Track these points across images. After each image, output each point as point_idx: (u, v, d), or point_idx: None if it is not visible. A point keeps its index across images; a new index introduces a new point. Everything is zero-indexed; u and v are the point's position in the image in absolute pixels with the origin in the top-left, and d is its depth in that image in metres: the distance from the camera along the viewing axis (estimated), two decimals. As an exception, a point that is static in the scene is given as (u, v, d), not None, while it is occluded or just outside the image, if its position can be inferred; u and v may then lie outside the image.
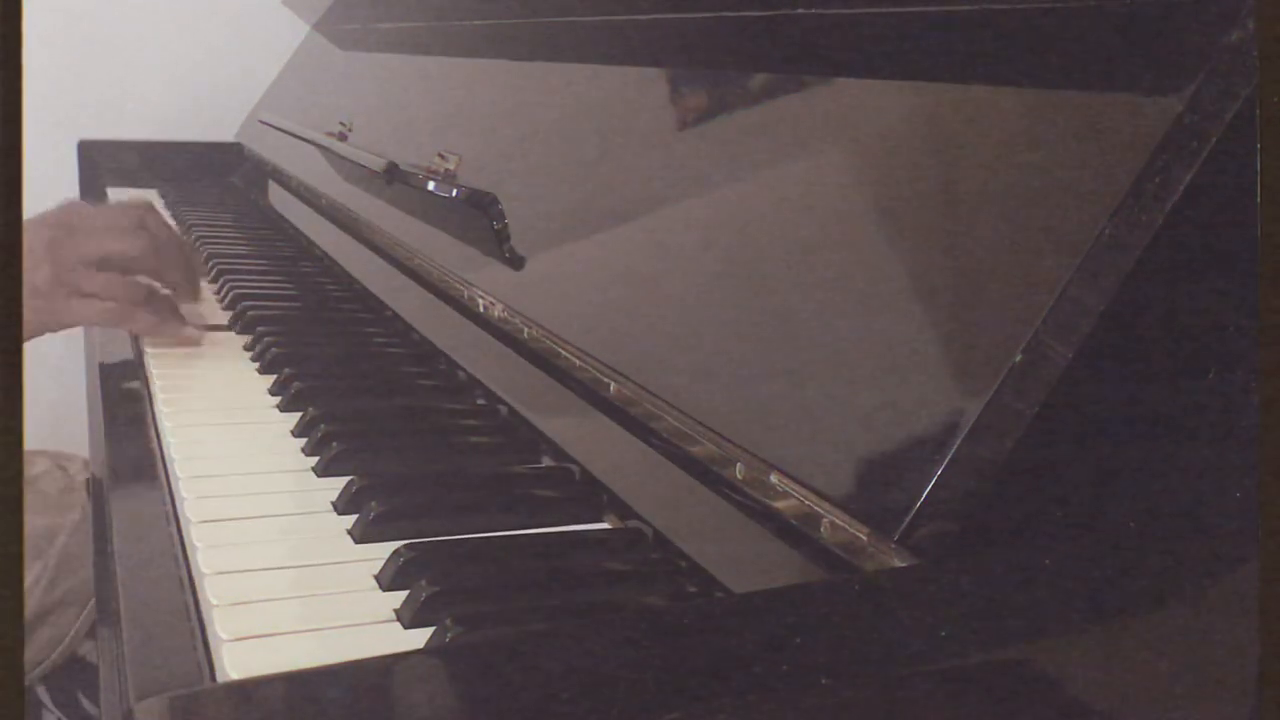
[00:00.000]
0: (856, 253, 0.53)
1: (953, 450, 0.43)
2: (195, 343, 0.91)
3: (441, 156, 0.94)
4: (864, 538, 0.45)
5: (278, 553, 0.57)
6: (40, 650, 1.07)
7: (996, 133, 0.51)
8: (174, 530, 0.60)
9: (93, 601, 1.09)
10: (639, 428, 0.61)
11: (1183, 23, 0.45)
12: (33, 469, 1.19)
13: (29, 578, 1.04)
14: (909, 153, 0.55)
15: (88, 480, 1.19)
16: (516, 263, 0.80)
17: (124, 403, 0.81)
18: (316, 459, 0.68)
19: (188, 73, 1.99)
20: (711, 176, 0.67)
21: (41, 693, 1.12)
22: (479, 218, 0.83)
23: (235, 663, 0.46)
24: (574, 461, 0.65)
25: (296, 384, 0.79)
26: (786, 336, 0.54)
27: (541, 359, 0.72)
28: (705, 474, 0.55)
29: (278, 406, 0.79)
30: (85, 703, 1.13)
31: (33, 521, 1.06)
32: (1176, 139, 0.42)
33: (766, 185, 0.62)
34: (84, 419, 0.89)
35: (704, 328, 0.60)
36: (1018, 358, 0.42)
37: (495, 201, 0.83)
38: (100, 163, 1.77)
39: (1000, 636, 0.39)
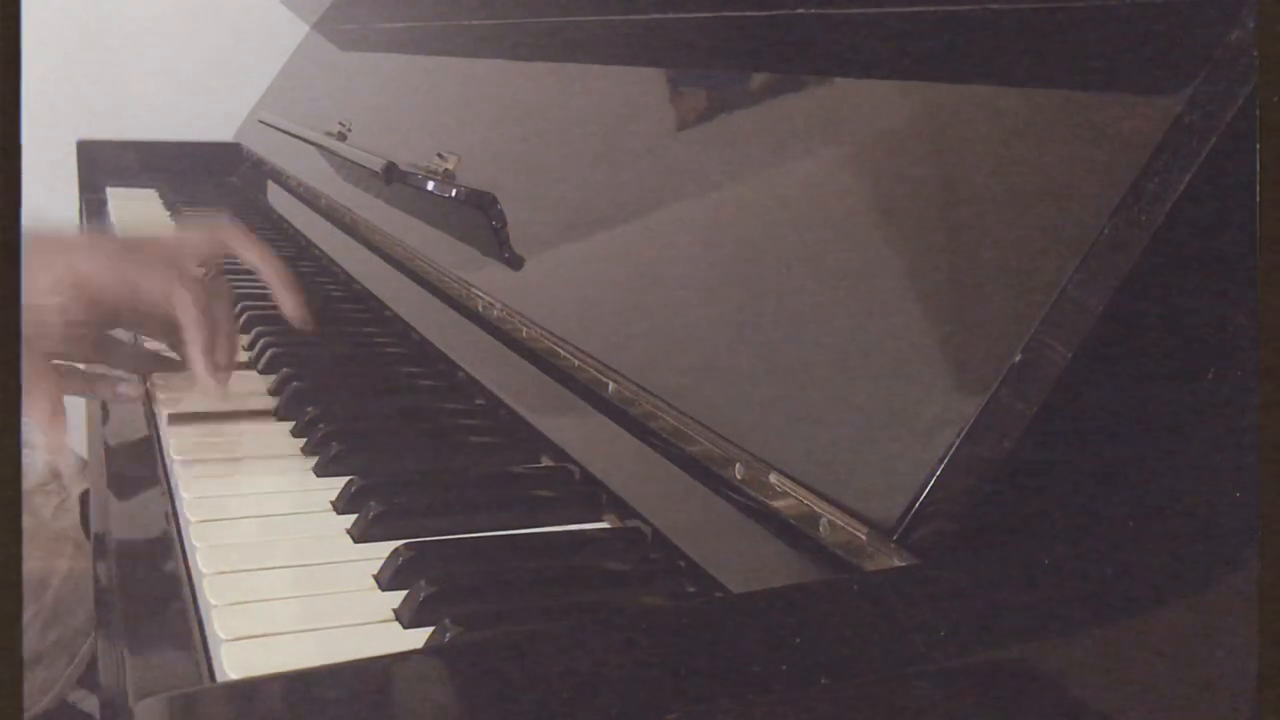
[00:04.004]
0: (856, 252, 0.53)
1: (952, 450, 0.43)
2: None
3: (440, 156, 0.94)
4: (863, 537, 0.45)
5: (277, 553, 0.57)
6: (31, 696, 1.07)
7: (996, 133, 0.51)
8: (173, 530, 0.60)
9: (85, 647, 1.09)
10: (638, 427, 0.61)
11: (1183, 23, 0.45)
12: (28, 479, 1.18)
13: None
14: (909, 153, 0.55)
15: (83, 494, 1.19)
16: (516, 263, 0.80)
17: (122, 404, 0.81)
18: (316, 459, 0.68)
19: (188, 73, 1.99)
20: (711, 176, 0.67)
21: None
22: (478, 218, 0.83)
23: (234, 663, 0.46)
24: (573, 461, 0.65)
25: (295, 384, 0.79)
26: (786, 336, 0.54)
27: (541, 359, 0.72)
28: (704, 474, 0.55)
29: (277, 406, 0.79)
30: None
31: (27, 564, 1.06)
32: (1176, 139, 0.42)
33: (766, 185, 0.62)
34: (83, 418, 0.89)
35: (703, 327, 0.60)
36: (1018, 358, 0.42)
37: (494, 201, 0.83)
38: (100, 163, 1.77)
39: (1000, 636, 0.39)
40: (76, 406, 0.93)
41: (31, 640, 1.05)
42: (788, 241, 0.58)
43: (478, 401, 0.79)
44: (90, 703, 1.09)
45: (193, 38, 1.98)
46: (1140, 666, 0.40)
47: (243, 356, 0.91)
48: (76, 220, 1.60)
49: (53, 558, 1.10)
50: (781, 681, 0.34)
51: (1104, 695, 0.39)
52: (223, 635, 0.48)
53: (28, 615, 1.05)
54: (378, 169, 0.97)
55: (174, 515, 0.61)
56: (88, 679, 1.09)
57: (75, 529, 1.15)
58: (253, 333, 0.94)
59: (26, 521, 1.11)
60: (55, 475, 1.21)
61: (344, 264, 1.16)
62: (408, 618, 0.50)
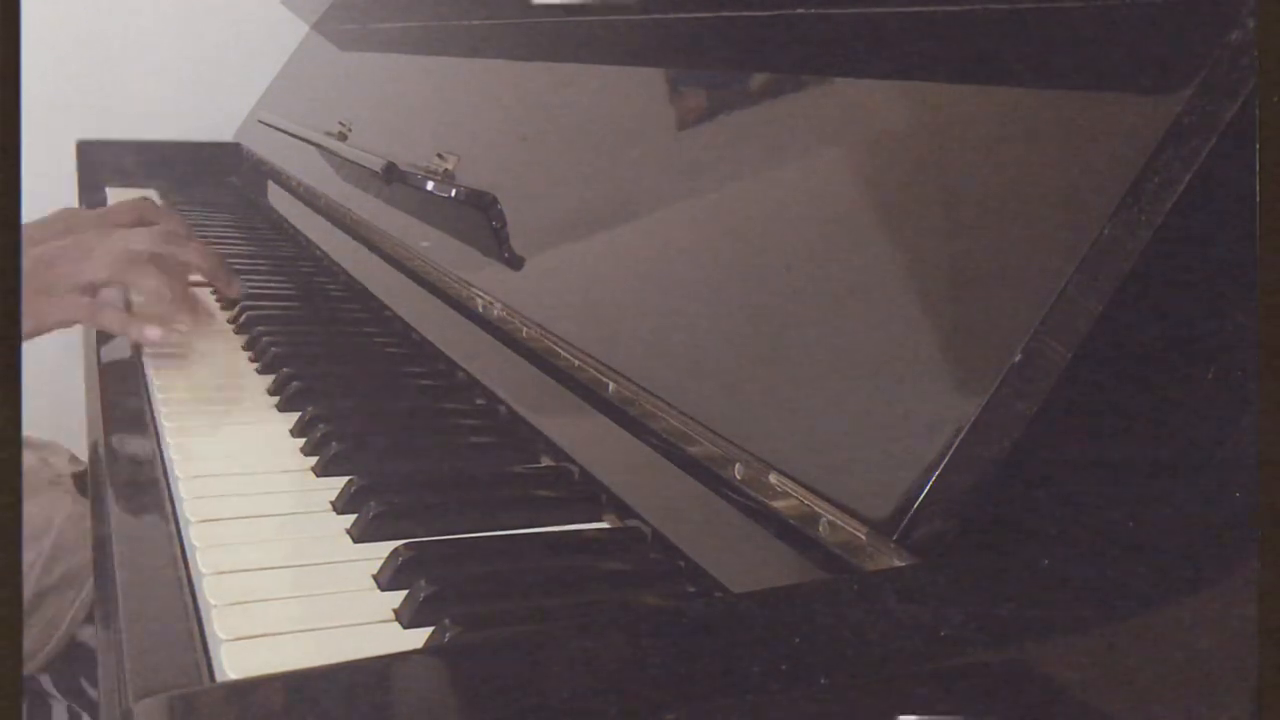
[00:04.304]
0: (855, 252, 0.53)
1: (952, 450, 0.43)
2: (153, 341, 0.90)
3: (440, 156, 0.94)
4: (863, 537, 0.45)
5: (276, 553, 0.57)
6: (39, 636, 1.07)
7: (996, 133, 0.51)
8: (173, 530, 0.60)
9: (90, 583, 1.09)
10: (638, 427, 0.61)
11: (1183, 23, 0.45)
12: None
13: (24, 562, 1.05)
14: (909, 153, 0.55)
15: (74, 474, 1.20)
16: (516, 263, 0.80)
17: (122, 402, 0.81)
18: (315, 459, 0.68)
19: (188, 73, 1.99)
20: (711, 177, 0.67)
21: (45, 681, 1.12)
22: (478, 218, 0.83)
23: (234, 663, 0.46)
24: (573, 461, 0.65)
25: (295, 384, 0.79)
26: (786, 336, 0.54)
27: (541, 359, 0.72)
28: (704, 474, 0.55)
29: (277, 406, 0.79)
30: (89, 689, 1.13)
31: (26, 510, 1.06)
32: (1176, 139, 0.42)
33: (766, 185, 0.62)
34: (81, 417, 0.89)
35: (703, 327, 0.60)
36: (1018, 358, 0.42)
37: (494, 201, 0.83)
38: (99, 163, 1.77)
39: (1000, 636, 0.38)
40: (77, 405, 0.93)
41: (35, 578, 1.06)
42: (787, 241, 0.58)
43: (478, 401, 0.79)
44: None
45: (193, 38, 1.98)
46: (1140, 666, 0.40)
47: (243, 357, 0.91)
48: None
49: (52, 504, 1.11)
50: (781, 681, 0.34)
51: (1104, 695, 0.39)
52: (223, 635, 0.48)
53: (30, 555, 1.06)
54: (378, 169, 0.97)
55: (174, 515, 0.61)
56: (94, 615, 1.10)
57: (69, 483, 1.16)
58: (252, 332, 0.94)
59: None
60: (44, 462, 1.22)
61: (344, 264, 1.16)
62: (408, 618, 0.50)
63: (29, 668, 1.07)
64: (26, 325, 0.86)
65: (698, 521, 0.55)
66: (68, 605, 1.09)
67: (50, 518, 1.09)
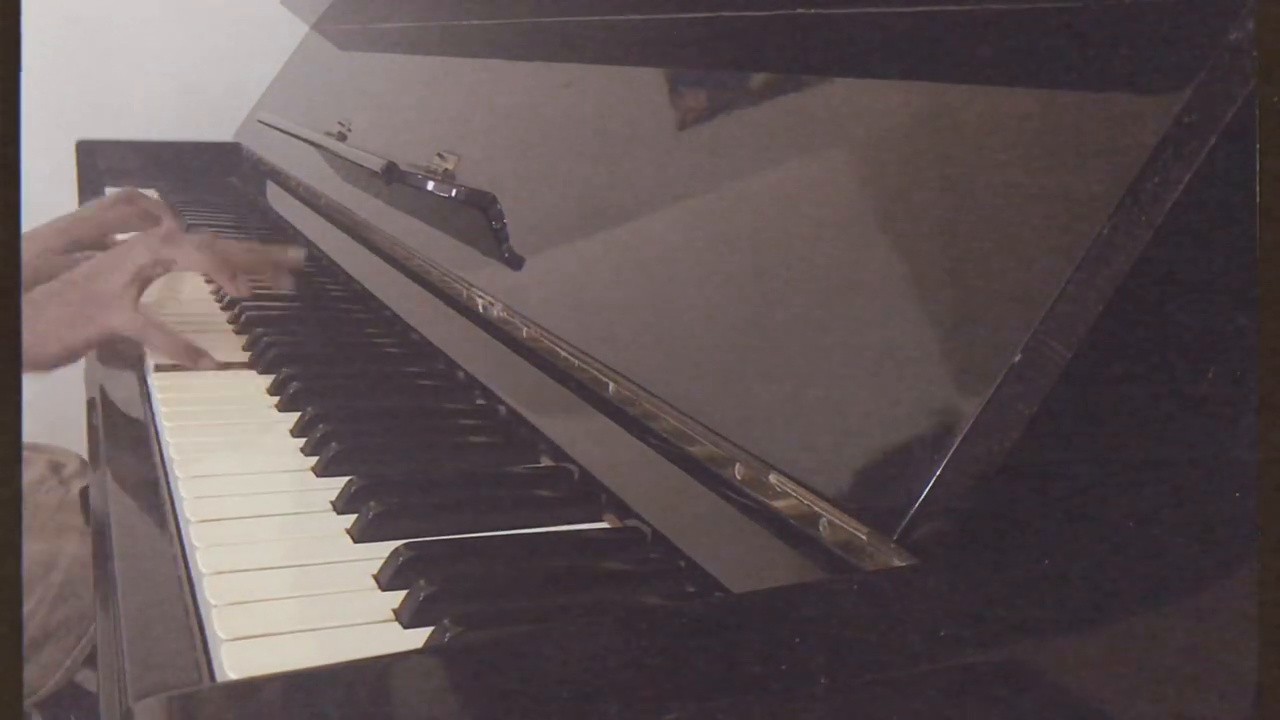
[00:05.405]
0: (856, 253, 0.53)
1: (952, 450, 0.43)
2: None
3: (440, 156, 0.94)
4: (863, 537, 0.45)
5: (276, 553, 0.57)
6: (38, 676, 1.07)
7: (996, 133, 0.51)
8: (173, 530, 0.60)
9: (92, 629, 1.09)
10: (638, 427, 0.61)
11: (1183, 23, 0.45)
12: (28, 474, 1.19)
13: (28, 604, 1.04)
14: (908, 153, 0.55)
15: (83, 490, 1.19)
16: (515, 263, 0.80)
17: (122, 403, 0.81)
18: (315, 459, 0.68)
19: (188, 73, 1.99)
20: (711, 176, 0.67)
21: (36, 719, 1.12)
22: (478, 218, 0.83)
23: (234, 663, 0.46)
24: (573, 461, 0.65)
25: (295, 384, 0.79)
26: (786, 336, 0.54)
27: (540, 359, 0.72)
28: (704, 474, 0.55)
29: (277, 406, 0.79)
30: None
31: (31, 547, 1.07)
32: (1176, 139, 0.42)
33: (766, 185, 0.62)
34: (81, 417, 0.89)
35: (703, 327, 0.60)
36: (1017, 358, 0.42)
37: (494, 201, 0.83)
38: (99, 163, 1.77)
39: (999, 636, 0.38)
40: (77, 404, 0.93)
41: (39, 620, 1.06)
42: (787, 242, 0.58)
43: (478, 401, 0.79)
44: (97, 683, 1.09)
45: (193, 38, 1.98)
46: (1140, 666, 0.40)
47: (243, 357, 0.91)
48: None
49: (59, 539, 1.10)
50: (781, 681, 0.34)
51: (1104, 695, 0.39)
52: (223, 635, 0.48)
53: (35, 596, 1.05)
54: (378, 169, 0.97)
55: (174, 515, 0.61)
56: (95, 659, 1.10)
57: (79, 515, 1.16)
58: (253, 333, 0.94)
59: (28, 514, 1.12)
60: (55, 470, 1.22)
61: (344, 264, 1.16)
62: (407, 618, 0.50)
63: (24, 703, 1.07)
64: (76, 336, 0.86)
65: (698, 521, 0.55)
66: (69, 649, 1.08)
67: (53, 560, 1.09)
